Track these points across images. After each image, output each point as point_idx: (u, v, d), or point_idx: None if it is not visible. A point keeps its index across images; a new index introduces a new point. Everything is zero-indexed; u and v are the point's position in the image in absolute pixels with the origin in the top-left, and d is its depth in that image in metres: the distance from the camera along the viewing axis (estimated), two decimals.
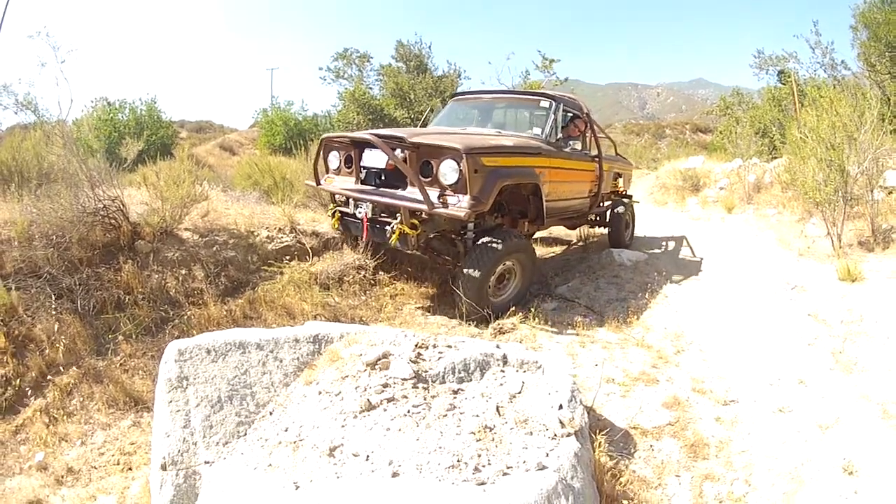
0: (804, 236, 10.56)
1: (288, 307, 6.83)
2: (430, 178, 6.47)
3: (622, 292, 7.99)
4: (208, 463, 3.49)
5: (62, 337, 5.65)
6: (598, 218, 11.02)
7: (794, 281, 7.96)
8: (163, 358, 4.01)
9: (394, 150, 6.55)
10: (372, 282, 7.90)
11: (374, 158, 7.05)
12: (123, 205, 7.11)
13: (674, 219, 15.24)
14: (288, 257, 7.80)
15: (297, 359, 4.23)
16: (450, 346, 4.35)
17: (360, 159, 7.33)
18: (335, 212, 7.66)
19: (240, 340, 4.17)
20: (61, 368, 5.48)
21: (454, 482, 2.92)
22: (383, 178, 7.17)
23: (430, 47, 28.88)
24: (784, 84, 22.55)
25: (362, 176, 7.40)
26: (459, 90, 15.05)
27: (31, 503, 4.16)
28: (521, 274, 7.28)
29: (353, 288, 7.57)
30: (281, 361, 4.16)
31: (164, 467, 3.45)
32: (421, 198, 6.19)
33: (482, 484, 2.91)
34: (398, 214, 6.62)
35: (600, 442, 3.88)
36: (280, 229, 8.37)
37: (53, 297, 5.94)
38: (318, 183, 7.88)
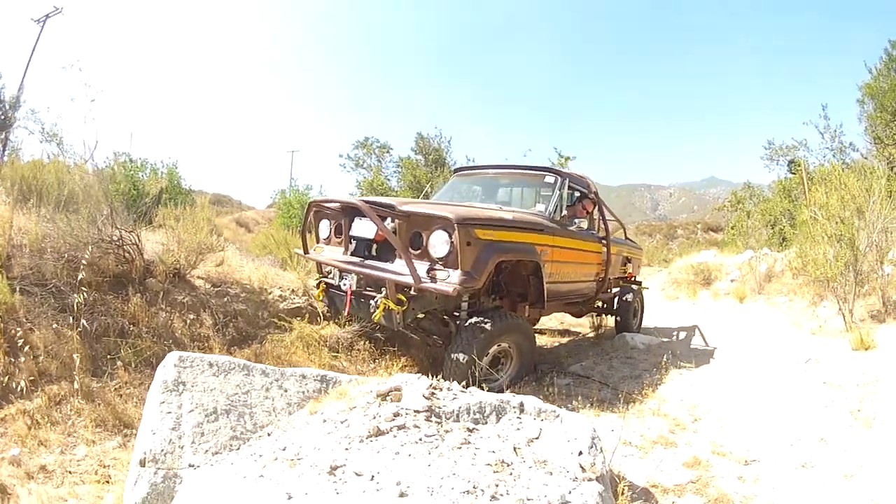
0: (816, 317, 10.50)
1: (295, 365, 6.47)
2: (419, 251, 6.07)
3: (636, 370, 7.81)
4: (192, 466, 3.33)
5: (59, 349, 5.58)
6: (604, 304, 10.66)
7: (807, 355, 7.81)
8: (161, 364, 3.92)
9: (384, 219, 6.17)
10: (382, 351, 7.63)
11: (364, 228, 6.64)
12: (139, 240, 7.09)
13: (685, 310, 15.24)
14: (299, 318, 7.63)
15: (303, 392, 4.13)
16: (463, 392, 4.16)
17: (349, 229, 6.93)
18: (319, 282, 7.32)
19: (244, 364, 4.11)
20: (54, 379, 5.37)
21: None
22: (373, 249, 6.74)
23: (449, 141, 28.82)
24: (794, 173, 22.82)
25: (352, 246, 6.99)
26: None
27: None
28: (517, 357, 6.70)
29: (363, 355, 7.33)
30: (286, 391, 4.06)
31: (142, 463, 3.30)
32: (408, 271, 5.76)
33: None
34: (383, 288, 6.13)
35: (623, 490, 3.72)
36: (293, 290, 8.27)
37: (56, 310, 5.91)
38: (307, 251, 7.58)
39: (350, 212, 6.90)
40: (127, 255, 6.86)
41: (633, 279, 11.62)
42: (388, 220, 6.20)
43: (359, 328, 7.54)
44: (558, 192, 7.86)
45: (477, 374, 5.90)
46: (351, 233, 6.86)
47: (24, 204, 7.58)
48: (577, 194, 8.73)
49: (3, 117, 18.31)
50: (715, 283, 17.18)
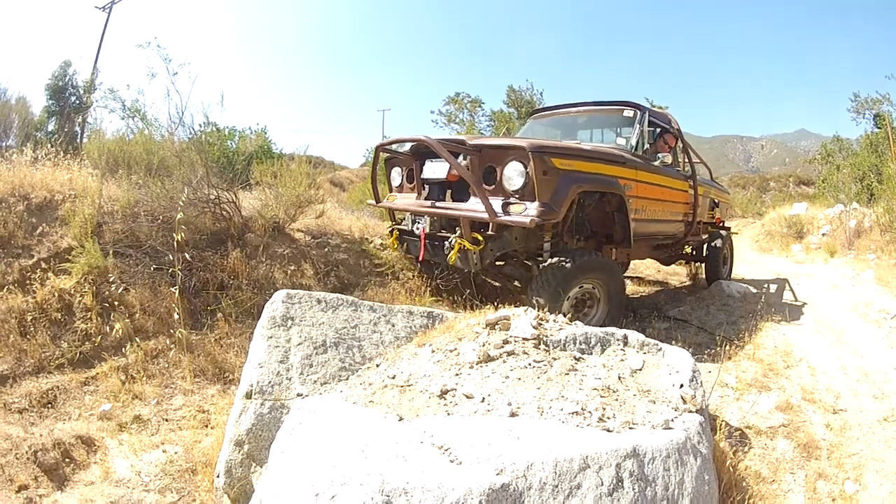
0: None
1: None
2: (493, 186, 5.72)
3: (732, 317, 7.75)
4: (301, 396, 3.42)
5: (156, 306, 5.76)
6: (693, 251, 10.35)
7: (893, 311, 7.73)
8: (270, 300, 4.03)
9: (456, 156, 5.83)
10: (485, 298, 7.16)
11: (436, 169, 6.26)
12: (237, 197, 7.26)
13: (778, 263, 14.91)
14: (400, 266, 7.60)
15: (410, 327, 4.20)
16: (569, 324, 4.20)
17: (421, 172, 6.60)
18: (392, 229, 7.00)
19: (352, 300, 4.20)
20: (150, 335, 5.54)
21: (579, 425, 2.77)
22: (448, 191, 6.44)
23: (541, 94, 27.88)
24: (880, 128, 22.04)
25: (425, 192, 6.67)
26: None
27: (80, 437, 4.10)
28: (605, 299, 6.30)
29: (466, 302, 6.88)
30: (393, 326, 4.14)
31: (248, 395, 3.40)
32: (483, 207, 5.45)
33: (608, 431, 2.75)
34: (458, 228, 5.80)
35: (720, 425, 3.78)
36: None
37: (153, 270, 6.07)
38: (378, 200, 7.43)
39: (421, 155, 6.63)
40: (224, 213, 7.05)
41: (721, 224, 11.12)
42: (460, 156, 5.89)
43: (461, 276, 7.27)
44: (639, 125, 7.39)
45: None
46: (423, 176, 6.58)
47: (112, 175, 7.79)
48: (658, 130, 8.19)
49: (78, 101, 18.86)
50: (807, 237, 16.83)
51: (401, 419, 2.86)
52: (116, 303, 5.68)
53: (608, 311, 6.34)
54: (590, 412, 2.89)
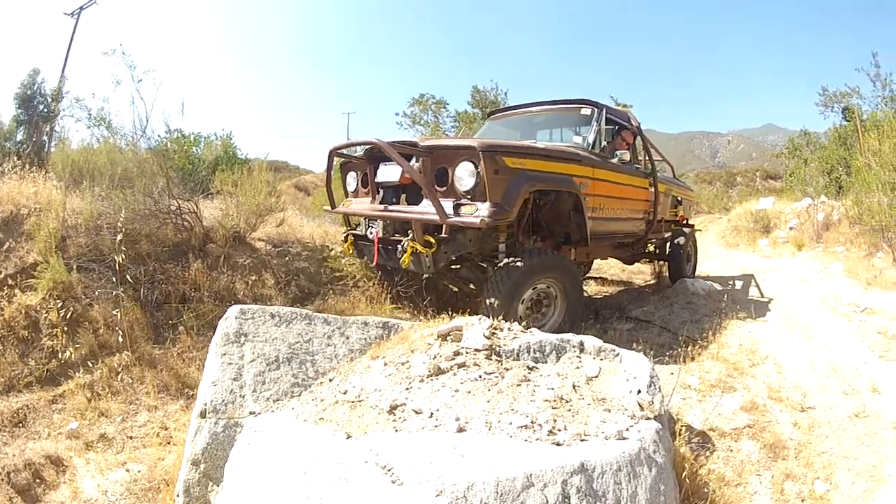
0: (871, 268, 10.19)
1: None
2: (446, 187, 5.61)
3: (696, 315, 7.70)
4: (253, 414, 3.39)
5: (119, 321, 5.67)
6: (657, 249, 10.24)
7: (862, 304, 7.77)
8: (223, 317, 3.98)
9: (408, 158, 5.73)
10: (446, 302, 7.42)
11: (389, 172, 6.18)
12: (197, 208, 7.21)
13: (745, 258, 15.00)
14: (361, 274, 7.56)
15: (364, 339, 4.16)
16: (524, 332, 4.16)
17: (375, 176, 6.52)
18: (347, 235, 6.91)
19: (306, 313, 4.16)
20: (114, 350, 5.50)
21: (527, 439, 2.72)
22: (403, 194, 6.36)
23: (506, 94, 27.88)
24: (849, 121, 22.30)
25: (379, 195, 6.59)
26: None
27: (50, 458, 4.13)
28: (562, 299, 6.23)
29: (427, 308, 6.91)
30: (347, 338, 4.11)
31: (203, 414, 3.36)
32: (434, 210, 5.33)
33: (558, 444, 2.71)
34: (410, 231, 5.69)
35: (681, 430, 3.73)
36: None
37: (115, 283, 5.96)
38: (334, 206, 7.24)
39: (374, 158, 6.54)
40: (185, 223, 7.00)
41: (685, 222, 11.15)
42: (413, 158, 5.78)
43: (421, 282, 7.20)
44: (596, 123, 7.31)
45: (514, 318, 5.53)
46: (377, 180, 6.49)
47: (76, 187, 7.71)
48: (616, 127, 8.15)
49: (46, 110, 18.72)
50: (774, 231, 16.90)
51: (349, 437, 2.83)
52: (81, 318, 5.65)
53: (566, 310, 6.29)
54: (540, 425, 2.85)
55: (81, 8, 22.91)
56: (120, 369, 5.32)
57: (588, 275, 11.10)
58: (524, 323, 5.42)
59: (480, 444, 2.62)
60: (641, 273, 12.14)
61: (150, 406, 4.95)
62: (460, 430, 2.80)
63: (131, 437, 4.51)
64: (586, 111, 7.55)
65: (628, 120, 8.26)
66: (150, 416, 4.83)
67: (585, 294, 9.35)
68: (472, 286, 6.83)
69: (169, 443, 4.39)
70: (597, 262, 10.81)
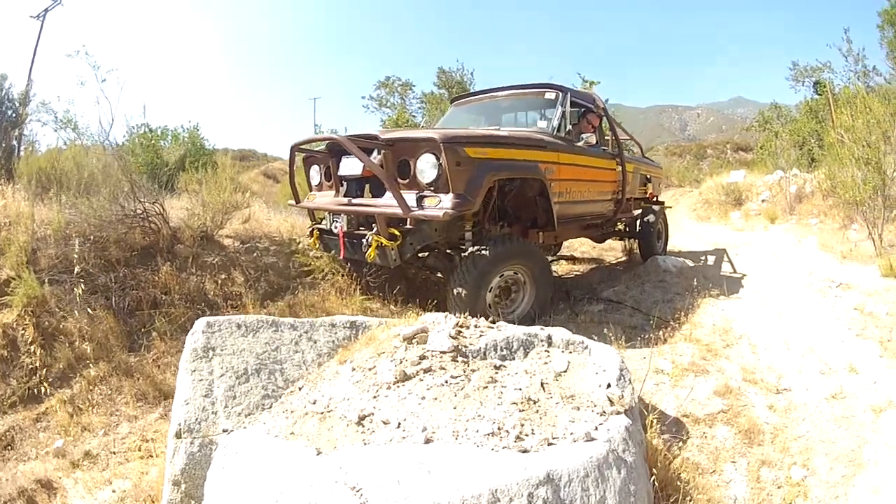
0: (846, 240, 10.29)
1: (328, 311, 6.45)
2: (408, 179, 5.64)
3: (668, 294, 7.71)
4: (227, 431, 3.37)
5: (94, 331, 5.65)
6: (626, 227, 10.38)
7: (838, 279, 7.80)
8: (190, 332, 3.92)
9: (370, 151, 5.77)
10: (416, 290, 7.49)
11: (352, 166, 6.17)
12: (164, 209, 7.13)
13: (717, 232, 15.10)
14: (329, 267, 7.50)
15: (333, 341, 4.13)
16: (491, 327, 4.16)
17: (338, 169, 6.49)
18: (312, 230, 6.88)
19: (273, 320, 4.11)
20: (90, 362, 5.46)
21: (494, 448, 2.72)
22: (366, 186, 6.34)
23: (472, 74, 27.85)
24: (820, 94, 22.50)
25: (343, 188, 6.56)
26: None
27: (40, 482, 4.13)
28: (531, 284, 6.32)
29: (397, 296, 7.00)
30: (315, 342, 4.07)
31: (178, 435, 3.33)
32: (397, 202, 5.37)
33: (525, 451, 2.70)
34: (374, 225, 5.71)
35: (652, 422, 3.70)
36: None
37: (88, 293, 5.93)
38: (298, 201, 7.27)
39: (337, 152, 6.52)
40: (153, 226, 6.93)
41: (654, 199, 11.18)
42: (375, 151, 5.80)
43: (390, 272, 7.13)
44: (560, 107, 7.37)
45: (483, 306, 5.69)
46: (339, 173, 6.46)
47: (44, 195, 7.66)
48: (582, 110, 8.28)
49: (13, 115, 18.50)
50: (746, 204, 17.06)
51: (319, 453, 2.83)
52: (57, 332, 5.61)
53: (535, 295, 6.37)
54: (507, 431, 2.84)
55: (47, 10, 22.61)
56: (98, 381, 5.30)
57: (559, 254, 11.18)
58: (493, 311, 5.70)
59: (447, 458, 2.61)
60: (613, 249, 12.14)
61: (130, 416, 4.95)
62: (427, 440, 2.79)
63: (114, 453, 4.50)
64: (550, 95, 7.60)
65: (593, 102, 8.29)
66: (130, 426, 4.83)
67: (556, 275, 9.45)
68: (440, 275, 6.87)
69: (150, 456, 4.37)
70: (567, 241, 10.80)
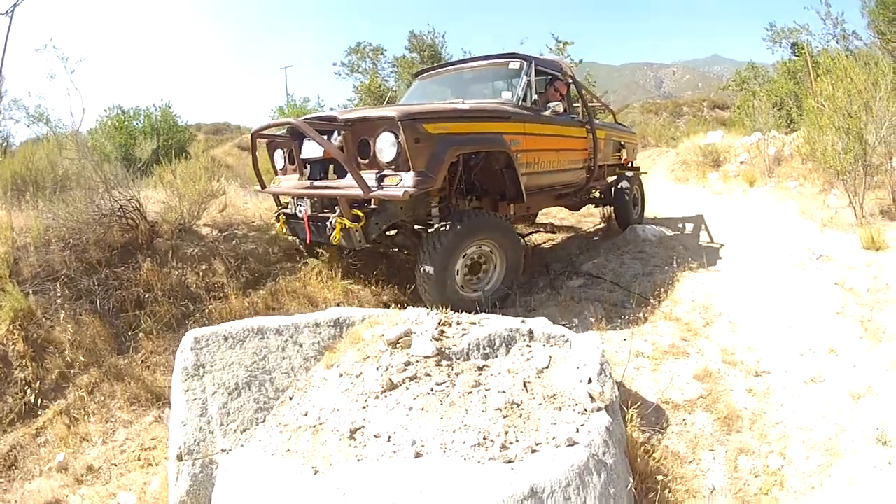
0: (826, 207, 10.20)
1: (311, 297, 6.55)
2: (368, 160, 5.63)
3: (648, 267, 7.72)
4: (225, 451, 3.42)
5: (82, 338, 5.67)
6: (602, 195, 10.34)
7: (818, 251, 7.73)
8: (179, 347, 3.96)
9: (329, 132, 5.77)
10: (398, 269, 7.54)
11: (313, 149, 6.16)
12: (140, 204, 7.11)
13: (696, 194, 14.97)
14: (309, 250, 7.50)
15: (318, 343, 4.16)
16: (473, 323, 4.20)
17: (300, 152, 6.49)
18: (278, 215, 6.88)
19: (258, 326, 4.11)
20: (81, 369, 5.48)
21: (480, 461, 2.82)
22: (330, 171, 6.38)
23: (443, 37, 27.78)
24: (798, 56, 22.46)
25: (307, 171, 6.60)
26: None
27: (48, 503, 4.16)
28: (501, 258, 6.30)
29: (378, 276, 7.06)
30: (301, 346, 4.10)
31: (180, 457, 3.38)
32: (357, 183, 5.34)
33: (510, 462, 2.81)
34: (337, 207, 5.68)
35: (632, 416, 3.79)
36: None
37: (72, 299, 5.95)
38: (264, 187, 7.24)
39: (298, 135, 6.47)
40: (130, 222, 6.92)
41: (629, 165, 11.24)
42: (335, 133, 5.78)
43: (371, 250, 7.24)
44: (525, 77, 7.27)
45: (452, 285, 5.76)
46: (302, 156, 6.47)
47: (21, 198, 7.62)
48: (549, 78, 8.16)
49: None
50: (724, 165, 16.96)
51: (316, 472, 2.91)
52: (46, 343, 5.61)
53: (506, 269, 6.37)
54: (492, 441, 2.94)
55: (15, 5, 22.23)
56: (91, 388, 5.32)
57: (537, 223, 11.11)
58: (464, 289, 6.02)
59: (436, 474, 2.71)
60: (591, 215, 12.08)
61: (126, 422, 4.99)
62: (417, 454, 2.89)
63: (115, 465, 4.53)
64: (515, 65, 7.51)
65: (560, 70, 8.27)
66: (127, 432, 4.87)
67: (534, 244, 9.70)
68: (407, 253, 6.92)
69: (150, 465, 4.43)
70: (543, 209, 10.67)
